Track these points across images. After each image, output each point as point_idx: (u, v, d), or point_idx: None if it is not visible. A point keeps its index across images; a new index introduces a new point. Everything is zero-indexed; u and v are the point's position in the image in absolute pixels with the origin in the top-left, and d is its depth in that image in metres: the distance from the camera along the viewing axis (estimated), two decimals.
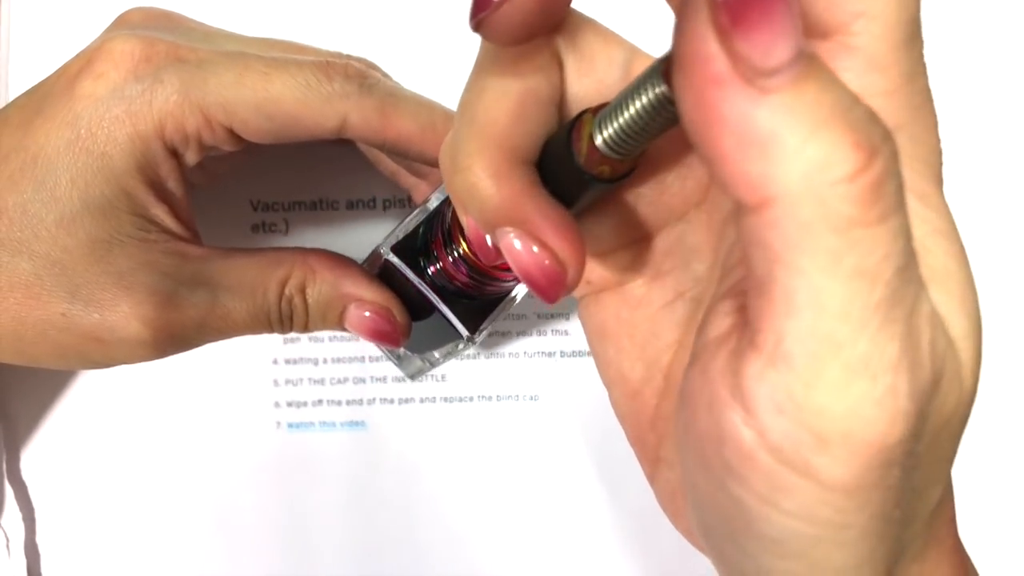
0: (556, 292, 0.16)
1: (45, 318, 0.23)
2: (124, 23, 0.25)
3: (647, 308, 0.20)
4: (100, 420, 0.33)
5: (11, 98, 0.30)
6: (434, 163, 0.24)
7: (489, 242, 0.17)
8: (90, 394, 0.33)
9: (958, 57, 0.33)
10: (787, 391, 0.12)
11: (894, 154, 0.12)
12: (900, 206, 0.12)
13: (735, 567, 0.15)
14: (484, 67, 0.16)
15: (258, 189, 0.32)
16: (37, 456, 0.33)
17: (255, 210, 0.32)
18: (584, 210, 0.18)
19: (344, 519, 0.33)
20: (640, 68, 0.17)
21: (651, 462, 0.20)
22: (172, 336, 0.24)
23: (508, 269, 0.24)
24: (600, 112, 0.15)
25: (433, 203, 0.24)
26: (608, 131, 0.15)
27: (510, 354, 0.33)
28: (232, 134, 0.24)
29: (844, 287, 0.12)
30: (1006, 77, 0.33)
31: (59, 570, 0.33)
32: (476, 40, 0.15)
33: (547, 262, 0.15)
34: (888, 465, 0.13)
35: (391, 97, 0.24)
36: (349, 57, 0.25)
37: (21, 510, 0.32)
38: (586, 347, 0.33)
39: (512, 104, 0.16)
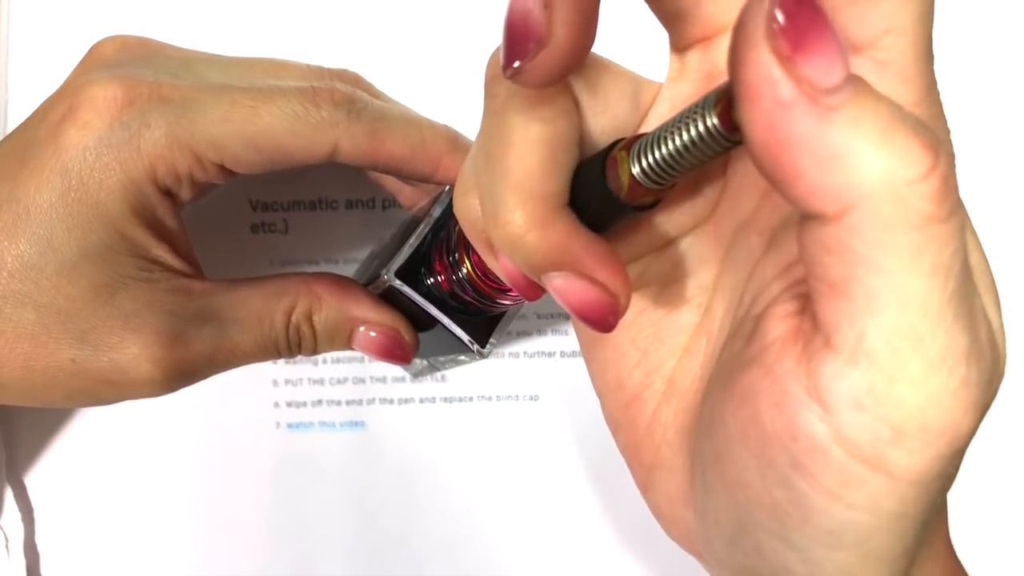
0: (611, 323, 0.16)
1: (55, 365, 0.23)
2: (98, 58, 0.25)
3: (652, 315, 0.20)
4: (100, 420, 0.33)
5: (10, 100, 0.30)
6: (424, 179, 0.25)
7: (528, 278, 0.17)
8: None
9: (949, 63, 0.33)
10: (868, 387, 0.13)
11: (950, 153, 0.12)
12: (961, 202, 0.13)
13: (772, 564, 0.16)
14: (506, 114, 0.16)
15: (258, 189, 0.32)
16: (37, 456, 0.33)
17: (255, 210, 0.32)
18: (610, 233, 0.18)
19: (344, 519, 0.33)
20: (646, 95, 0.18)
21: (646, 469, 0.20)
22: (182, 372, 0.24)
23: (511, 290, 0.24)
24: (635, 145, 0.15)
25: (436, 213, 0.24)
26: (647, 162, 0.15)
27: (510, 354, 0.33)
28: (224, 168, 0.24)
29: (924, 282, 0.12)
30: (1002, 80, 0.33)
31: (59, 570, 0.33)
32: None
33: (600, 297, 0.16)
34: (955, 455, 0.13)
35: (380, 121, 0.24)
36: (332, 74, 0.25)
37: (21, 510, 0.32)
38: None
39: (545, 152, 0.16)
